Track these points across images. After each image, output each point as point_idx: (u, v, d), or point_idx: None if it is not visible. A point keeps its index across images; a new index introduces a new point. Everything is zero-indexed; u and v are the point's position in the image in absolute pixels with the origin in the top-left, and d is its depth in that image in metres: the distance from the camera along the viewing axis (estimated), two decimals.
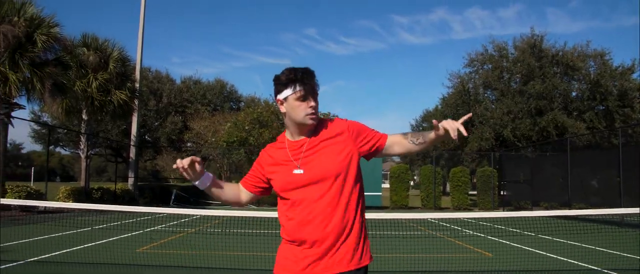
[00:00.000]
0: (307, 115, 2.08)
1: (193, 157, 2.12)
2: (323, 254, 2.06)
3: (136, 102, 23.87)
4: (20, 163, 71.83)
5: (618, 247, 9.60)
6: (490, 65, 32.29)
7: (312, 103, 2.08)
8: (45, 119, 35.62)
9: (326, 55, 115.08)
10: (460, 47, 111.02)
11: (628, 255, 8.65)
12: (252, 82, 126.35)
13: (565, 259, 8.17)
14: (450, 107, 33.99)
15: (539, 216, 12.55)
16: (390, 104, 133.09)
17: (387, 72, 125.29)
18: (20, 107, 16.06)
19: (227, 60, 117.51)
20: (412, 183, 46.05)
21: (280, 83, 2.11)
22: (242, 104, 44.77)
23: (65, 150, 43.38)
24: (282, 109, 2.14)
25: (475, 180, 29.28)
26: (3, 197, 15.04)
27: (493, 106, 31.29)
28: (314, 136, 2.15)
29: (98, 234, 10.53)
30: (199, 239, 10.40)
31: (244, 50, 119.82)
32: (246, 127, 28.69)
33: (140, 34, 26.06)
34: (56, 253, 7.78)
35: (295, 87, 2.07)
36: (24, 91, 15.73)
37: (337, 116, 33.39)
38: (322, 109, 28.30)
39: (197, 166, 2.14)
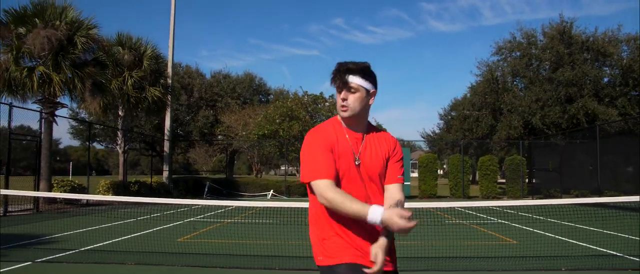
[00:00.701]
0: (340, 107, 2.19)
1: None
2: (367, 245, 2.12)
3: (169, 97, 24.67)
4: (58, 158, 74.36)
5: None
6: (518, 53, 32.04)
7: (342, 96, 2.17)
8: (82, 115, 36.96)
9: (353, 45, 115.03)
10: (490, 33, 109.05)
11: None
12: (281, 74, 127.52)
13: (587, 245, 8.42)
14: (478, 96, 33.89)
15: (563, 204, 12.69)
16: (418, 93, 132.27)
17: (415, 61, 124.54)
18: (63, 106, 16.93)
19: (255, 53, 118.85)
20: (441, 172, 46.03)
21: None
22: (271, 96, 45.44)
23: (101, 145, 44.87)
24: None
25: (504, 168, 29.24)
26: (50, 191, 15.95)
27: (522, 94, 31.06)
28: (368, 134, 2.28)
29: (142, 225, 11.23)
30: (236, 229, 10.98)
31: (271, 42, 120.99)
32: (277, 120, 29.27)
33: (171, 31, 26.84)
34: (107, 242, 8.45)
35: (333, 82, 2.20)
36: (66, 90, 16.55)
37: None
38: None
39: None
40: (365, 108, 2.22)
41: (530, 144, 27.91)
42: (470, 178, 37.82)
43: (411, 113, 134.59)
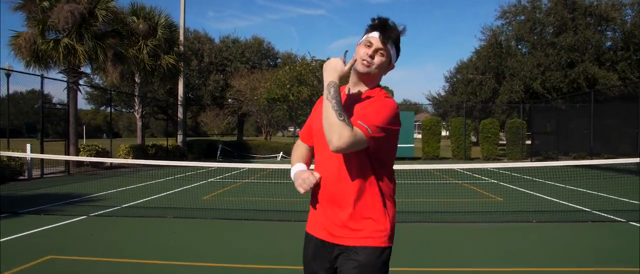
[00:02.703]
0: (362, 60, 1.98)
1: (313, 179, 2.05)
2: (330, 217, 2.05)
3: (182, 65, 25.71)
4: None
5: (623, 193, 10.90)
6: (523, 17, 32.59)
7: (371, 51, 1.98)
8: (97, 81, 38.18)
9: (362, 4, 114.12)
10: None
11: (629, 200, 9.98)
12: (289, 36, 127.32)
13: (561, 201, 9.58)
14: (482, 60, 34.64)
15: (552, 166, 13.78)
16: (427, 54, 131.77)
17: (425, 20, 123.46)
18: (86, 75, 18.05)
19: (263, 13, 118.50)
20: (445, 133, 47.01)
21: (367, 26, 2.05)
22: (279, 60, 46.33)
23: (116, 109, 46.21)
24: None
25: (505, 131, 30.25)
26: (77, 155, 17.25)
27: (524, 59, 31.79)
28: (357, 91, 2.06)
29: (168, 185, 12.52)
30: (252, 188, 12.22)
31: (278, 2, 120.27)
32: (287, 85, 30.28)
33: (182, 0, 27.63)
34: (143, 200, 9.73)
35: (373, 28, 2.01)
36: (88, 60, 17.64)
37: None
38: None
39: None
40: (378, 75, 2.06)
41: (531, 108, 28.83)
42: (475, 140, 38.88)
43: (418, 74, 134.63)
